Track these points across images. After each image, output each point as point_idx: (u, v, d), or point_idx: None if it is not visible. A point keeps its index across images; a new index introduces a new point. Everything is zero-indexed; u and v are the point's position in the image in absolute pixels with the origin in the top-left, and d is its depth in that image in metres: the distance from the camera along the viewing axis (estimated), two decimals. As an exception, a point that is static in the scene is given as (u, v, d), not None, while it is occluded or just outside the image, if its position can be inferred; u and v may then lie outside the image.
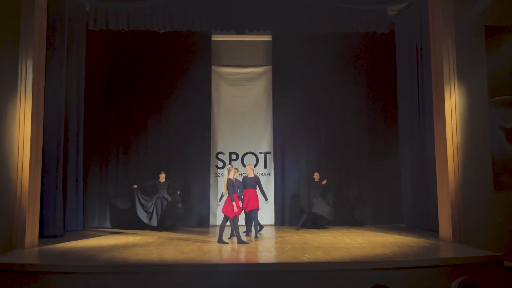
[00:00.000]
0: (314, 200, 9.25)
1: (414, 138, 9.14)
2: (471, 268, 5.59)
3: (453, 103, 7.29)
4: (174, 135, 10.20)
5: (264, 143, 10.67)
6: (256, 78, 10.81)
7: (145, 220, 9.17)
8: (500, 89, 7.45)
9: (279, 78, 10.54)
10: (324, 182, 9.38)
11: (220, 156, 10.60)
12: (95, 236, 8.42)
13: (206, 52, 10.47)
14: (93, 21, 8.71)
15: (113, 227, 9.74)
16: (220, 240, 7.35)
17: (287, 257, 6.01)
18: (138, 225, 9.32)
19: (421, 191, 8.87)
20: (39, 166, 7.32)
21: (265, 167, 10.62)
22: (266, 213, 10.13)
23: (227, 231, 7.94)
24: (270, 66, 10.72)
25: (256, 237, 8.01)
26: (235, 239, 7.70)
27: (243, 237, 7.87)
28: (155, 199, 9.22)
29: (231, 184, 7.44)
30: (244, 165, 10.08)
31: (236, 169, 7.85)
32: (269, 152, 10.64)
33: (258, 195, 8.14)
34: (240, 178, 8.12)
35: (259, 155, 10.64)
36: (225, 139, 10.63)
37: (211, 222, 10.17)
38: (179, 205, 9.32)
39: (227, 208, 7.41)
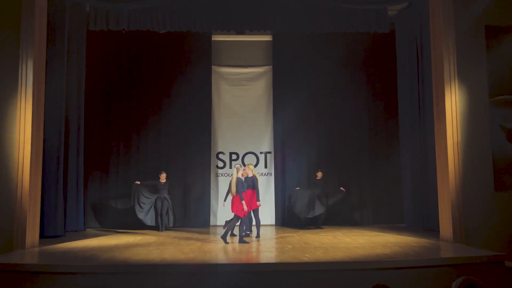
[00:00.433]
0: (314, 201, 9.28)
1: (415, 138, 9.13)
2: (472, 268, 5.58)
3: (453, 103, 7.28)
4: (174, 135, 10.20)
5: (265, 143, 10.67)
6: (257, 78, 10.81)
7: (140, 215, 9.13)
8: (501, 88, 7.45)
9: (280, 78, 10.54)
10: (319, 175, 9.48)
11: (220, 156, 10.60)
12: (95, 236, 8.43)
13: (206, 52, 10.46)
14: (94, 21, 8.72)
15: (113, 227, 9.73)
16: (224, 237, 7.34)
17: (288, 257, 6.01)
18: (138, 225, 9.32)
19: (422, 191, 8.87)
20: (39, 166, 7.32)
21: (266, 167, 10.62)
22: (267, 213, 10.14)
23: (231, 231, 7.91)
24: (271, 66, 10.72)
25: (257, 236, 8.01)
26: (235, 238, 7.70)
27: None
28: (155, 199, 9.23)
29: (240, 183, 7.43)
30: (244, 165, 10.12)
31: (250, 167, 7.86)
32: (269, 152, 10.64)
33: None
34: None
35: (259, 155, 10.64)
36: (225, 139, 10.63)
37: (212, 222, 10.17)
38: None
39: (238, 207, 7.39)
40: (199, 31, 9.44)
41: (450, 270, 5.54)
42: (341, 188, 9.68)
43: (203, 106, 10.35)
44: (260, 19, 8.89)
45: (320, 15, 8.90)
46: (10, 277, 5.38)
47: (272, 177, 10.51)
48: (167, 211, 9.29)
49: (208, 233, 9.04)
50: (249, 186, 7.93)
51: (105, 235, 8.61)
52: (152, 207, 9.25)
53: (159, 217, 9.20)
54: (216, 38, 10.60)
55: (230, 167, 10.29)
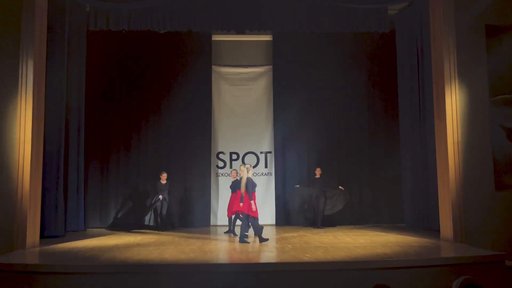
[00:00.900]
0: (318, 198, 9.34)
1: (415, 137, 9.13)
2: (472, 267, 5.58)
3: (453, 103, 7.28)
4: (174, 135, 10.20)
5: (265, 142, 10.67)
6: (257, 78, 10.81)
7: (146, 220, 9.17)
8: (501, 88, 7.44)
9: (280, 77, 10.53)
10: (317, 173, 9.52)
11: (220, 156, 10.60)
12: (96, 236, 8.42)
13: (206, 52, 10.46)
14: (94, 21, 8.73)
15: (114, 227, 9.74)
16: (260, 237, 7.35)
17: (288, 257, 6.01)
18: (138, 225, 9.32)
19: (422, 190, 8.86)
20: (40, 166, 7.32)
21: (266, 166, 10.62)
22: (267, 213, 10.15)
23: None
24: (271, 66, 10.72)
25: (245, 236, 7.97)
26: (236, 238, 7.69)
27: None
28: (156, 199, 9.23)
29: (251, 183, 7.43)
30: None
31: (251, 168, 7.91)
32: (269, 152, 10.64)
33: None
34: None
35: (259, 155, 10.64)
36: (225, 139, 10.63)
37: (212, 222, 10.17)
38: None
39: (249, 207, 7.36)
40: (199, 31, 9.45)
41: (450, 269, 5.53)
42: (340, 187, 9.68)
43: (203, 106, 10.34)
44: (260, 19, 8.90)
45: (320, 15, 8.90)
46: (10, 277, 5.38)
47: (272, 177, 10.51)
48: (167, 212, 9.29)
49: (208, 233, 9.05)
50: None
51: (105, 235, 8.61)
52: (153, 209, 9.25)
53: (158, 218, 9.20)
54: (216, 38, 10.59)
55: (230, 167, 10.29)
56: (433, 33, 7.70)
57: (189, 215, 10.03)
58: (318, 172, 9.64)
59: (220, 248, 7.00)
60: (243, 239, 7.43)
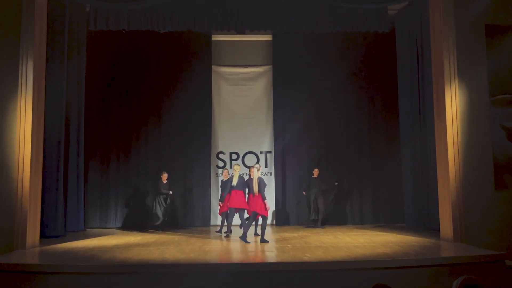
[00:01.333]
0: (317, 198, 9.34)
1: (415, 137, 9.13)
2: (472, 267, 5.58)
3: (453, 102, 7.28)
4: (174, 135, 10.20)
5: (265, 142, 10.68)
6: (257, 78, 10.81)
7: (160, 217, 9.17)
8: (501, 88, 7.44)
9: (280, 77, 10.54)
10: (315, 173, 9.51)
11: (220, 156, 10.60)
12: (96, 236, 8.42)
13: (206, 52, 10.47)
14: (94, 21, 8.73)
15: (114, 227, 9.73)
16: (263, 240, 7.32)
17: (288, 257, 6.01)
18: (139, 225, 9.32)
19: (422, 190, 8.86)
20: (40, 166, 7.32)
21: (266, 166, 10.62)
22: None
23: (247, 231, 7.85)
24: (271, 66, 10.72)
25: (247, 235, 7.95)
26: (236, 237, 7.68)
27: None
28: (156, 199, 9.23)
29: (262, 183, 7.43)
30: (245, 165, 10.17)
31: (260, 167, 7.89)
32: (269, 152, 10.64)
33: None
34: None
35: (259, 155, 10.65)
36: (225, 138, 10.63)
37: (212, 222, 10.17)
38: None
39: (261, 207, 7.34)
40: (199, 31, 9.45)
41: (450, 269, 5.53)
42: (336, 183, 9.74)
43: (203, 106, 10.34)
44: (260, 19, 8.90)
45: (320, 15, 8.90)
46: (10, 277, 5.38)
47: (272, 177, 10.51)
48: (167, 212, 9.29)
49: (208, 232, 9.05)
50: (237, 187, 7.86)
51: (105, 235, 8.60)
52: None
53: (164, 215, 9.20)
54: (216, 38, 10.59)
55: (230, 167, 10.28)
56: (433, 33, 7.70)
57: (189, 215, 10.03)
58: (316, 172, 9.63)
59: (221, 248, 7.01)
60: (245, 237, 7.40)
